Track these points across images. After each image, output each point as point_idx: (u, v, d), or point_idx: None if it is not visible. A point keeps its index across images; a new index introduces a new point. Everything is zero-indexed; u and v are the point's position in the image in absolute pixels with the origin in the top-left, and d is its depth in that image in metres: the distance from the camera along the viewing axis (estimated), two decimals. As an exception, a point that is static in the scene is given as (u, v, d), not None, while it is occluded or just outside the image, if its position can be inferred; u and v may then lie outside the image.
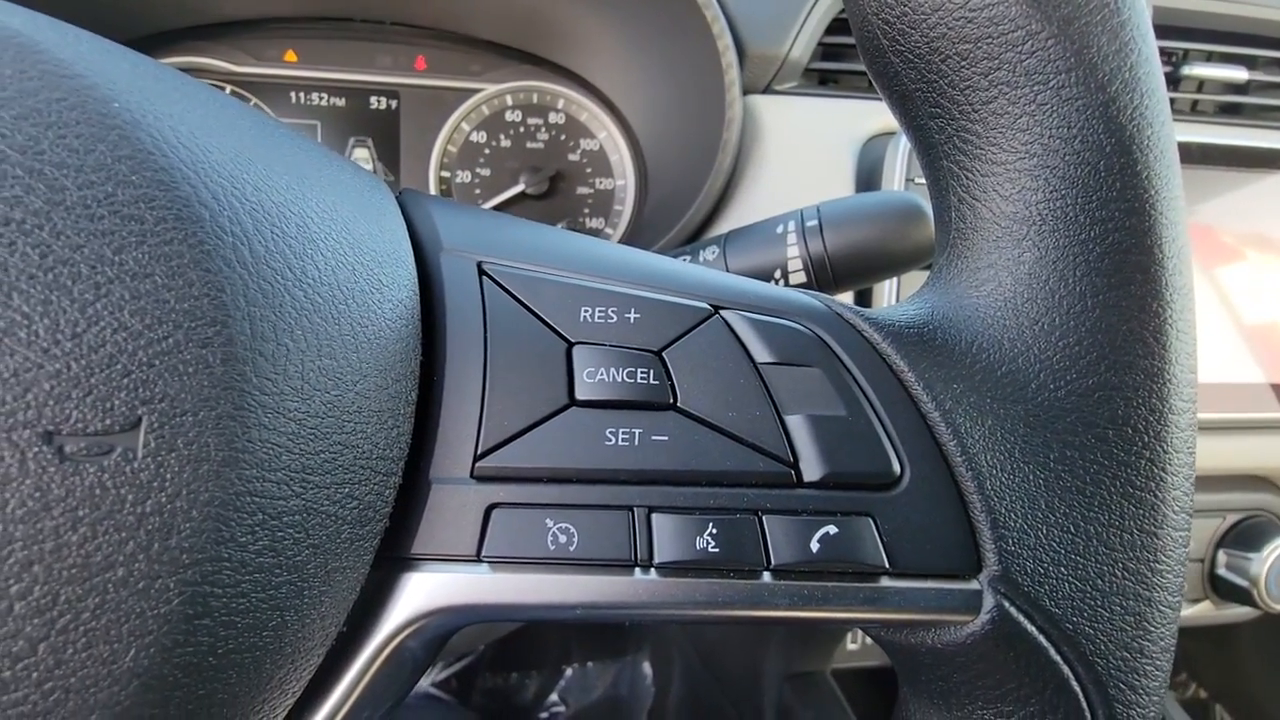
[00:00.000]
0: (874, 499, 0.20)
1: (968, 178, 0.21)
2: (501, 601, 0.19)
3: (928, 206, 0.34)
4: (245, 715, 0.16)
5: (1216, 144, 0.56)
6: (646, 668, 0.83)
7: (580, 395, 0.20)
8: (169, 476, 0.14)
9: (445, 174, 0.59)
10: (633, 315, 0.21)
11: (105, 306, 0.14)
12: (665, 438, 0.20)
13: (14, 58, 0.15)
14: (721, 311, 0.21)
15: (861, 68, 0.23)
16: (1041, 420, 0.19)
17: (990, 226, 0.20)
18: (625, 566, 0.19)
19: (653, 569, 0.19)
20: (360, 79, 0.58)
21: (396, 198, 0.23)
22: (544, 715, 0.81)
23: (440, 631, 0.20)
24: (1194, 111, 0.61)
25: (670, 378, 0.20)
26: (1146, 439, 0.19)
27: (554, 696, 0.82)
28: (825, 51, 0.55)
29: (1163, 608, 0.19)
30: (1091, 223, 0.19)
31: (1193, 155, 0.56)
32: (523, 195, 0.59)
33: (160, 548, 0.14)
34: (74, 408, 0.13)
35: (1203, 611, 0.63)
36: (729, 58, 0.50)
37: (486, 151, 0.59)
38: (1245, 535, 0.60)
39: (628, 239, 0.61)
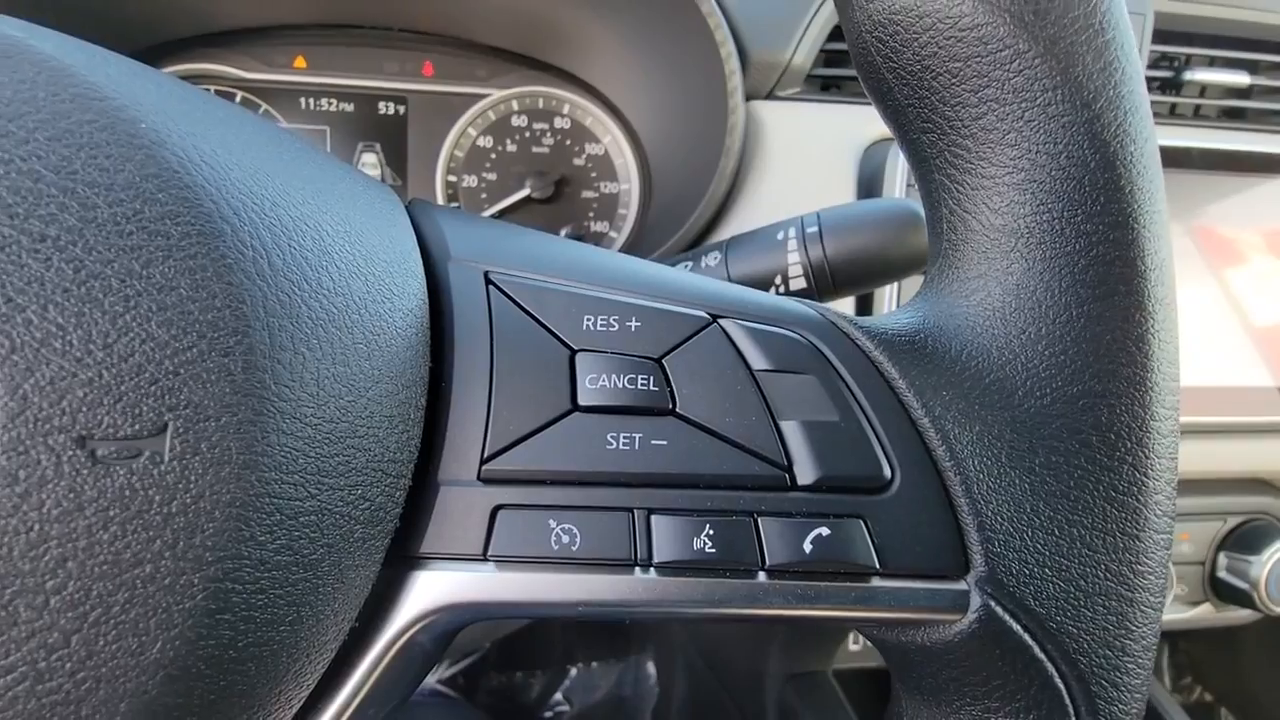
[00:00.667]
0: (865, 502, 0.20)
1: (958, 190, 0.21)
2: (507, 599, 0.20)
3: (926, 213, 0.35)
4: (263, 705, 0.17)
5: (1219, 149, 0.56)
6: (650, 668, 0.84)
7: (583, 401, 0.20)
8: (193, 479, 0.15)
9: (452, 179, 0.60)
10: (634, 324, 0.21)
11: (134, 318, 0.14)
12: (665, 442, 0.20)
13: (47, 81, 0.15)
14: (719, 320, 0.22)
15: (863, 75, 0.23)
16: (1028, 426, 0.20)
17: (979, 238, 0.21)
18: (625, 566, 0.20)
19: (652, 568, 0.20)
20: (369, 85, 0.59)
21: (406, 208, 0.23)
22: (548, 714, 0.82)
23: (448, 627, 0.21)
24: (1196, 116, 0.61)
25: (670, 384, 0.21)
26: (1129, 445, 0.20)
27: (558, 696, 0.83)
28: (827, 58, 0.55)
29: (1144, 608, 0.20)
30: (1077, 235, 0.20)
31: (1195, 160, 0.56)
32: (528, 200, 0.60)
33: (185, 546, 0.14)
34: (105, 414, 0.14)
35: (1203, 614, 0.63)
36: (732, 64, 0.51)
37: (493, 156, 0.60)
38: (1246, 538, 0.61)
39: (632, 243, 0.62)
